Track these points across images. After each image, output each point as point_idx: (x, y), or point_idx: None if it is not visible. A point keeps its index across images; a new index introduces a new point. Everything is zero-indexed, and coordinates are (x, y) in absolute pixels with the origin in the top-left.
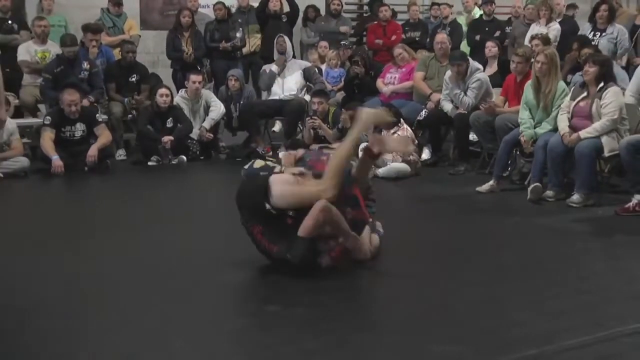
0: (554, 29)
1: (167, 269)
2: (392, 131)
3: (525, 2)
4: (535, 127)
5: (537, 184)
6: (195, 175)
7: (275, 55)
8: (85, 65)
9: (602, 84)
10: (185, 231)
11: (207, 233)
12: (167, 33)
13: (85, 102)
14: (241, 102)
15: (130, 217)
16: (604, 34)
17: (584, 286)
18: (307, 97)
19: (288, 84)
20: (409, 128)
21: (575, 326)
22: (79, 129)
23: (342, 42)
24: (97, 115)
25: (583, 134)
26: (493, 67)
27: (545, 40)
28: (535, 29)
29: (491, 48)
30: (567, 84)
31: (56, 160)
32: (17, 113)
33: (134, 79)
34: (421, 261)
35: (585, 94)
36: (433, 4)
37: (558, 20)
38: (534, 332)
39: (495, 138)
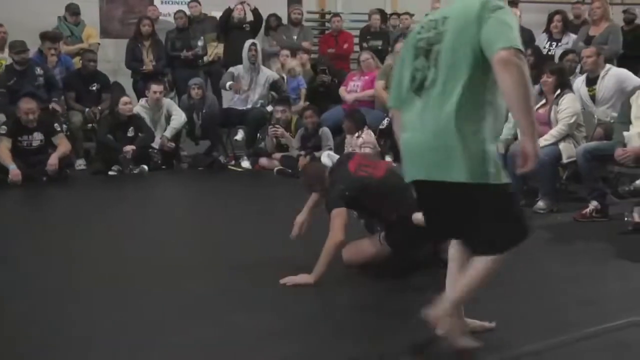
0: None
1: (128, 280)
2: (356, 135)
3: None
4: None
5: None
6: (157, 185)
7: (245, 64)
8: (39, 70)
9: (559, 91)
10: (147, 241)
11: (169, 242)
12: (127, 42)
13: (58, 108)
14: (203, 111)
15: (92, 227)
16: (559, 43)
17: (543, 292)
18: (270, 107)
19: (253, 97)
20: (372, 133)
21: (530, 332)
22: (37, 138)
23: None
24: (56, 124)
25: (541, 141)
26: None
27: None
28: None
29: None
30: None
31: (13, 170)
32: None
33: (94, 88)
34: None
35: (543, 101)
36: (393, 13)
37: None
38: (488, 339)
39: None
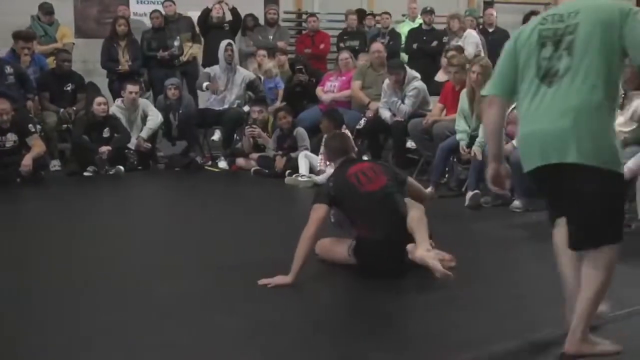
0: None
1: (107, 280)
2: None
3: (465, 12)
4: (472, 135)
5: (476, 191)
6: (133, 186)
7: (222, 64)
8: (8, 69)
9: None
10: (124, 242)
11: (147, 243)
12: (102, 41)
13: (31, 105)
14: (180, 111)
15: (68, 229)
16: None
17: (519, 290)
18: (247, 108)
19: (230, 98)
20: (349, 133)
21: (507, 330)
22: (10, 139)
23: None
24: (30, 125)
25: (515, 142)
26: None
27: (459, 49)
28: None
29: None
30: None
31: None
32: None
33: (69, 88)
34: (359, 269)
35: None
36: (369, 13)
37: (491, 30)
38: (463, 337)
39: (432, 145)
